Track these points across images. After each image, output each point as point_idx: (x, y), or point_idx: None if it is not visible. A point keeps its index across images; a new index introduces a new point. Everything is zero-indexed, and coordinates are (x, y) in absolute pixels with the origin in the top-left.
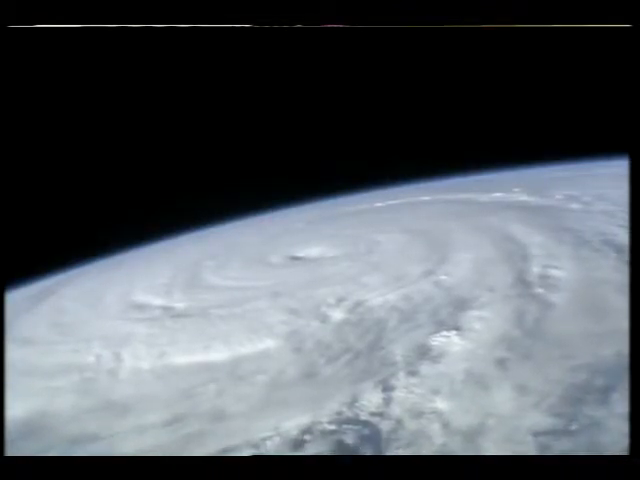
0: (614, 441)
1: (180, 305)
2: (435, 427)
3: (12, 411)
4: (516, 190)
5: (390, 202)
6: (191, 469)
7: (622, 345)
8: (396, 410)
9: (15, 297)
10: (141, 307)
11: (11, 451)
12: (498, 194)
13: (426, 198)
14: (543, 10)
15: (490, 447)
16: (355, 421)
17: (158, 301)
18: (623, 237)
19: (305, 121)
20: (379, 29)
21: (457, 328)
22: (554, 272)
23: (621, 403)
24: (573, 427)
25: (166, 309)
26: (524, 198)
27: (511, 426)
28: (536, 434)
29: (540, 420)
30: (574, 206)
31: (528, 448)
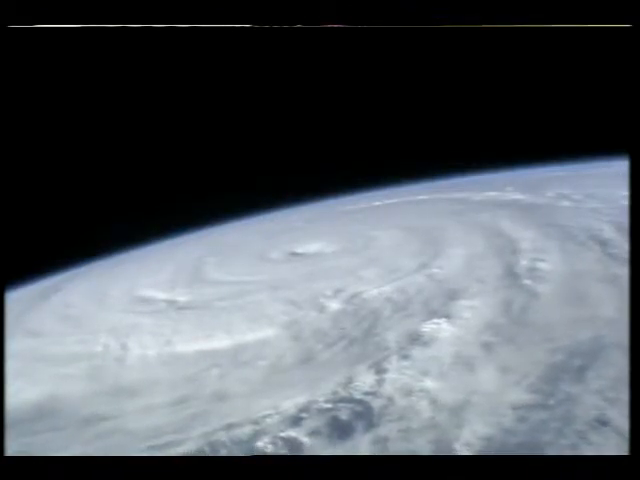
0: (586, 412)
1: (183, 298)
2: (423, 403)
3: (25, 396)
4: (509, 189)
5: (388, 201)
6: (191, 469)
7: (599, 329)
8: (388, 389)
9: (23, 293)
10: (146, 301)
11: (25, 432)
12: (492, 193)
13: (423, 197)
14: (543, 10)
15: (473, 419)
16: (349, 399)
17: (162, 295)
18: (608, 232)
19: (305, 121)
20: (379, 29)
21: (447, 316)
22: (541, 265)
23: (595, 381)
24: (550, 402)
25: (170, 302)
26: (517, 196)
27: (493, 402)
28: (515, 408)
29: (520, 396)
30: (565, 204)
31: (508, 420)
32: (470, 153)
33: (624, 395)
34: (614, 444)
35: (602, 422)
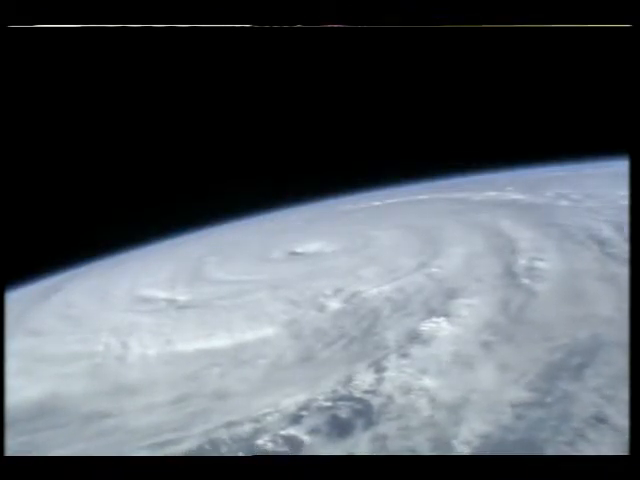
0: (584, 410)
1: (184, 298)
2: (422, 402)
3: (27, 394)
4: (509, 189)
5: (388, 201)
6: (191, 468)
7: (597, 328)
8: (387, 388)
9: (23, 293)
10: (146, 300)
11: (27, 430)
12: (492, 193)
13: (423, 197)
14: (543, 10)
15: (472, 417)
16: (349, 398)
17: (162, 294)
18: (607, 232)
19: (305, 121)
20: (379, 29)
21: (446, 315)
22: (539, 264)
23: (593, 379)
24: (548, 399)
25: (170, 301)
26: (516, 196)
27: (492, 399)
28: (514, 406)
29: (518, 394)
30: (563, 203)
31: (506, 418)
32: (470, 153)
33: (622, 393)
34: (611, 441)
35: (600, 419)
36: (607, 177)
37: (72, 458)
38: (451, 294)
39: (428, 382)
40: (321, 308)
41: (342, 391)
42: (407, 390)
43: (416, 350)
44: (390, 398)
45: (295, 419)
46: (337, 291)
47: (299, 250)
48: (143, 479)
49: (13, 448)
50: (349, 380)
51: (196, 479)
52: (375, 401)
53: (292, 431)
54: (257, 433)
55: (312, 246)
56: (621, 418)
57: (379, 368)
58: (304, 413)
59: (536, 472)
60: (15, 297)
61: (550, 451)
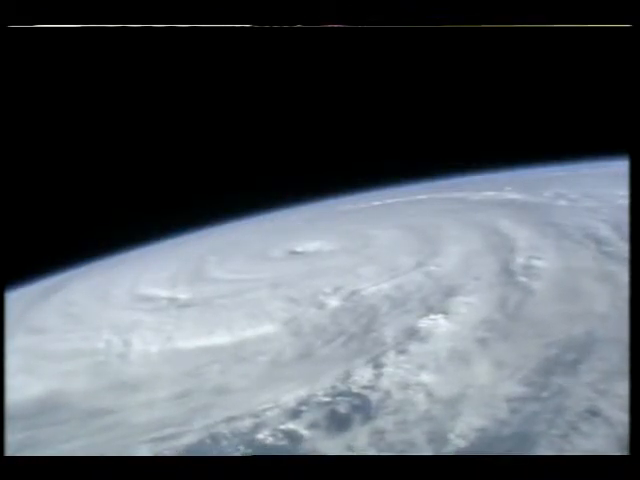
0: (578, 404)
1: (185, 296)
2: (420, 397)
3: (29, 391)
4: (507, 188)
5: (388, 201)
6: (191, 468)
7: (592, 324)
8: (385, 383)
9: (23, 293)
10: (147, 298)
11: (29, 426)
12: (490, 192)
13: (422, 197)
14: (543, 10)
15: (468, 411)
16: (348, 393)
17: (163, 293)
18: (604, 231)
19: (305, 121)
20: (379, 29)
21: (444, 312)
22: (537, 262)
23: (587, 374)
24: (543, 394)
25: (171, 300)
26: (514, 196)
27: (488, 394)
28: (509, 400)
29: (514, 389)
30: (561, 203)
31: (502, 412)
32: (470, 153)
33: (615, 387)
34: (604, 434)
35: (593, 413)
36: (605, 177)
37: (72, 458)
38: (449, 292)
39: (425, 378)
40: (320, 306)
41: (341, 387)
42: (405, 385)
43: (414, 346)
44: (388, 393)
45: (295, 414)
46: (336, 289)
47: (299, 249)
48: (144, 479)
49: (16, 444)
50: (348, 376)
51: (196, 479)
52: (373, 396)
53: (292, 425)
54: (257, 428)
55: (312, 245)
56: (614, 412)
57: (377, 364)
58: (303, 408)
59: (535, 472)
60: (15, 297)
61: (544, 444)
